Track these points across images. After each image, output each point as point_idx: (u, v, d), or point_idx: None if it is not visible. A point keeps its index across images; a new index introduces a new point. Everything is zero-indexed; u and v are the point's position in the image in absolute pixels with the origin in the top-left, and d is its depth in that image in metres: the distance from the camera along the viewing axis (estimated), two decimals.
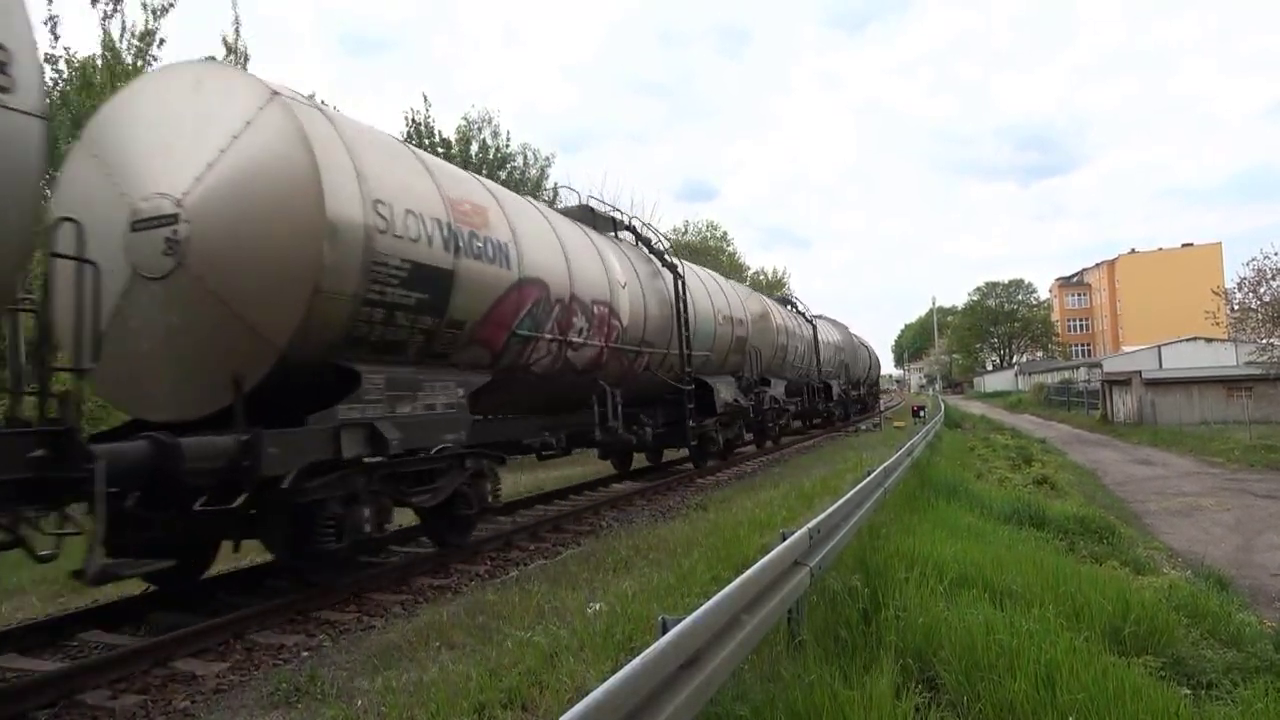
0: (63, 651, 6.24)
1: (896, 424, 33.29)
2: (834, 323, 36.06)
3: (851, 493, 7.53)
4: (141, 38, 16.53)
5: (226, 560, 8.53)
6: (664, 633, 3.26)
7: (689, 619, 3.42)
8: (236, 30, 19.70)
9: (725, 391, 16.74)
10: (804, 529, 5.44)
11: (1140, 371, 35.55)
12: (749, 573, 4.31)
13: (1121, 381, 36.17)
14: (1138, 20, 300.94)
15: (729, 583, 4.13)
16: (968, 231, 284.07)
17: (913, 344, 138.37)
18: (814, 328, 28.52)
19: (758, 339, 20.00)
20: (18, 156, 4.48)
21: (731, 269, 44.98)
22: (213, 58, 18.38)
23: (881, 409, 45.17)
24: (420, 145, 23.34)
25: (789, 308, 27.00)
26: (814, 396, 27.68)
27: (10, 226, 4.49)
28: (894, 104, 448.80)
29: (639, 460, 17.83)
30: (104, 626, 6.67)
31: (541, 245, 10.16)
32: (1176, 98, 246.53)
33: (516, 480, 15.46)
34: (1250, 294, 28.68)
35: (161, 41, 16.85)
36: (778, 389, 22.08)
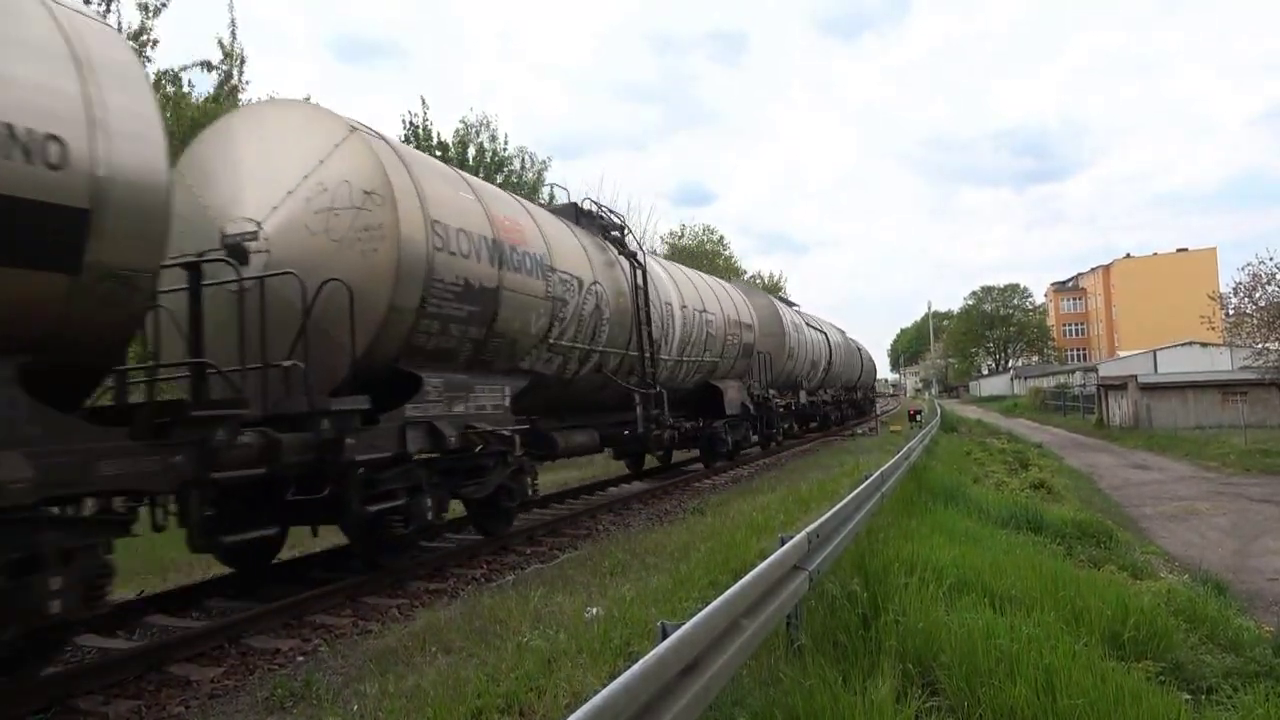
0: (55, 656, 6.18)
1: (893, 428, 33.31)
2: (746, 288, 23.73)
3: (849, 497, 7.51)
4: (134, 37, 16.45)
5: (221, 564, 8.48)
6: (664, 638, 3.24)
7: (689, 624, 3.40)
8: (233, 32, 19.66)
9: None
10: (803, 533, 5.42)
11: (1136, 376, 35.63)
12: (748, 577, 4.28)
13: (1117, 386, 36.25)
14: (1135, 25, 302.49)
15: (727, 587, 4.11)
16: (964, 237, 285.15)
17: (909, 348, 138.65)
18: (641, 270, 13.34)
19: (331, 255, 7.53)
20: None
21: (729, 272, 44.96)
22: (207, 62, 18.35)
23: (878, 414, 45.20)
24: (418, 148, 23.34)
25: (581, 218, 13.18)
26: (647, 410, 13.20)
27: None
28: (890, 110, 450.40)
29: None
30: (97, 631, 6.62)
31: None
32: (1172, 103, 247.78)
33: None
34: (1246, 299, 28.76)
35: (155, 42, 16.76)
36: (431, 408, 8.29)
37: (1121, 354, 61.54)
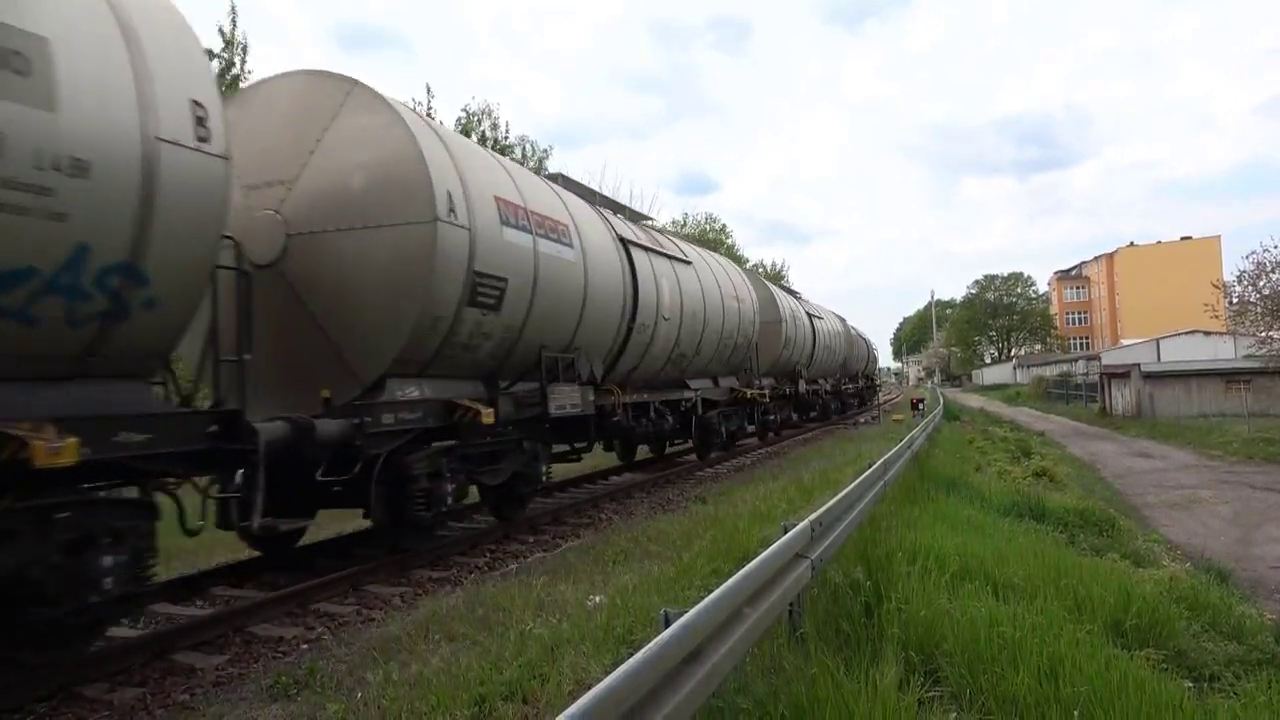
0: None
1: (895, 417, 33.29)
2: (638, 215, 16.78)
3: (852, 485, 7.50)
4: None
5: (228, 552, 8.51)
6: (666, 626, 3.23)
7: (692, 612, 3.39)
8: (233, 21, 19.57)
9: None
10: (805, 521, 5.40)
11: (1139, 365, 35.54)
12: (751, 565, 4.27)
13: (1120, 375, 36.18)
14: (1140, 16, 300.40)
15: (730, 575, 4.10)
16: (967, 226, 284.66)
17: (911, 337, 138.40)
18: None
19: None
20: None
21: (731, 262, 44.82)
22: (208, 50, 18.26)
23: (880, 402, 45.21)
24: None
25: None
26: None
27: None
28: (893, 99, 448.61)
29: None
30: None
31: None
32: (1176, 92, 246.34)
33: None
34: (1250, 287, 28.60)
35: None
36: None
37: (1124, 342, 61.39)
